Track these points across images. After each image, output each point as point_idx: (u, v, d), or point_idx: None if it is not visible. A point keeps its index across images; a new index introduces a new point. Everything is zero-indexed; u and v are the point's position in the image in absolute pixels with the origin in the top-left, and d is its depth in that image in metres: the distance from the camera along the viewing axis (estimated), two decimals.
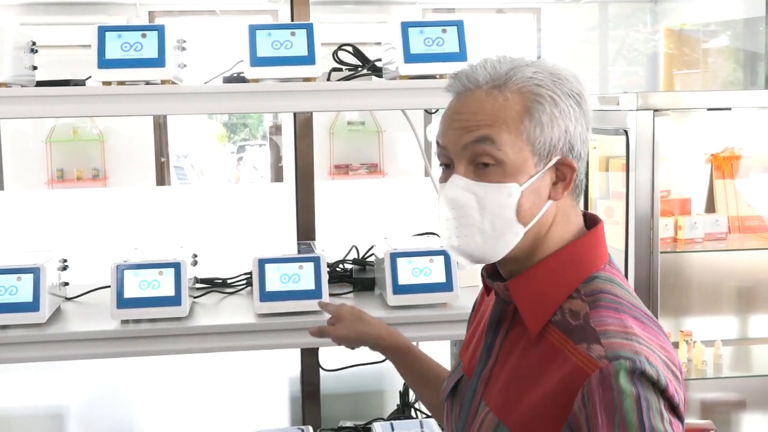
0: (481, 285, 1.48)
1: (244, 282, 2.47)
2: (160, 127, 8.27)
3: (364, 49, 2.43)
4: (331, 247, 2.45)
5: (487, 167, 1.29)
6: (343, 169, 8.92)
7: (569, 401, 1.19)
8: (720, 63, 7.68)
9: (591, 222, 1.39)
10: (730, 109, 3.00)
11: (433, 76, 2.18)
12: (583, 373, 1.19)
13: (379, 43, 2.43)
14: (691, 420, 3.24)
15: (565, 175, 1.31)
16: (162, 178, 8.38)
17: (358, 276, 2.47)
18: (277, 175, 9.02)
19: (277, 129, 8.84)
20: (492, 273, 1.42)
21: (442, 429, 1.52)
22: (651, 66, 8.62)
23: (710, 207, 3.38)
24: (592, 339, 1.21)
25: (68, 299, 2.36)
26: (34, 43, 2.26)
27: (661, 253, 3.00)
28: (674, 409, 1.18)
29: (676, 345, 3.22)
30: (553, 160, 1.30)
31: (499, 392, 1.33)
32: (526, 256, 1.33)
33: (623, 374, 1.16)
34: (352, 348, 1.85)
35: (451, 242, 1.34)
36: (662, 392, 1.17)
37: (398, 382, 2.69)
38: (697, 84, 7.78)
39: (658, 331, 1.27)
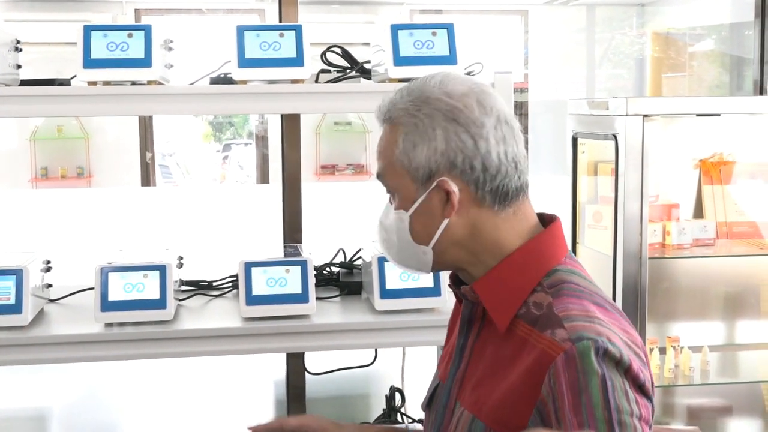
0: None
1: (230, 285, 2.44)
2: (146, 125, 8.21)
3: (351, 50, 2.41)
4: (318, 249, 2.43)
5: (393, 196, 1.39)
6: (329, 170, 8.89)
7: (537, 386, 1.23)
8: (705, 67, 7.70)
9: (548, 220, 1.42)
10: (719, 115, 3.00)
11: None
12: (549, 357, 1.23)
13: (366, 44, 2.42)
14: (677, 426, 3.24)
15: (448, 195, 1.33)
16: (147, 177, 8.31)
17: (345, 280, 2.45)
18: (263, 175, 8.98)
19: (265, 130, 8.80)
20: (456, 280, 1.48)
21: None
22: (638, 69, 8.63)
23: (698, 213, 3.38)
24: (556, 324, 1.26)
25: (51, 301, 2.33)
26: (18, 42, 2.22)
27: (649, 258, 3.00)
28: (641, 388, 1.22)
29: (663, 351, 3.21)
30: (435, 182, 1.33)
31: (473, 390, 1.37)
32: (471, 263, 1.38)
33: (587, 354, 1.20)
34: None
35: (387, 258, 1.46)
36: (626, 371, 1.20)
37: (384, 386, 2.67)
38: (683, 88, 7.80)
39: (619, 316, 1.32)
